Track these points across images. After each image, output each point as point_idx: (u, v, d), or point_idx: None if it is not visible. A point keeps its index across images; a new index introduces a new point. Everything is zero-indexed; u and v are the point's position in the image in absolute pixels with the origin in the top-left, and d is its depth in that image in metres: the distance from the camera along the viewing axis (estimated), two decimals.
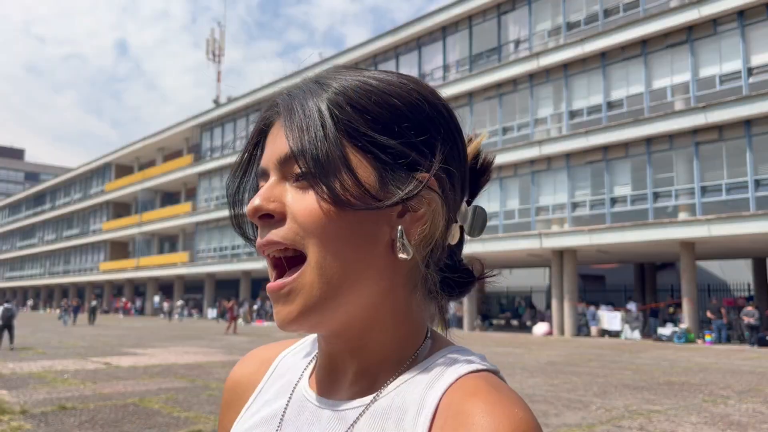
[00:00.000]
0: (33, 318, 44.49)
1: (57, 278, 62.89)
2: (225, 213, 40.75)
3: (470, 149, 0.67)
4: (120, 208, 56.40)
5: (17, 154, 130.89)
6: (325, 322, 0.59)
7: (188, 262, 44.45)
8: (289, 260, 0.59)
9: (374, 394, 0.60)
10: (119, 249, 55.94)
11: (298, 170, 0.57)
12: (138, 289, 57.62)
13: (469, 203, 0.66)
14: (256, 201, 0.58)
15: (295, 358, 0.72)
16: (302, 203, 0.57)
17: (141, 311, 50.70)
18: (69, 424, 7.07)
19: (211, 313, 42.72)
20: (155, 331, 27.17)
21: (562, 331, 24.88)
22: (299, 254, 0.58)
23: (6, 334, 17.76)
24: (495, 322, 35.34)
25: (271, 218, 0.58)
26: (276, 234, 0.57)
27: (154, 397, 9.06)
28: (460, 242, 0.65)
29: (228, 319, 27.29)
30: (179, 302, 44.08)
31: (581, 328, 25.16)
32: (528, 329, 29.37)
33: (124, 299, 51.59)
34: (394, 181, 0.57)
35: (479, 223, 0.65)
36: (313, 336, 0.73)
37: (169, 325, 33.41)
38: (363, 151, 0.57)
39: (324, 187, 0.55)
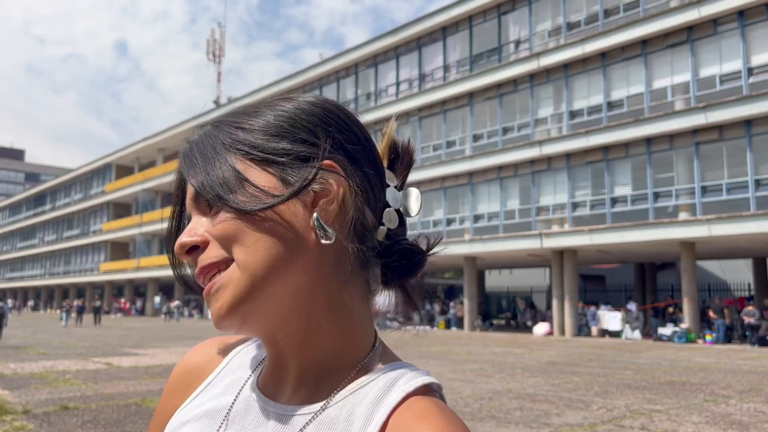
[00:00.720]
0: (34, 318, 44.51)
1: (57, 279, 62.89)
2: None
3: (384, 140, 0.69)
4: (120, 209, 56.41)
5: (17, 154, 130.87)
6: (257, 313, 0.60)
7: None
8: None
9: (323, 403, 0.61)
10: (120, 249, 55.95)
11: (206, 202, 0.61)
12: (138, 289, 57.62)
13: (400, 188, 0.68)
14: (181, 239, 0.61)
15: (246, 356, 0.73)
16: (218, 224, 0.60)
17: (141, 312, 50.68)
18: (71, 424, 7.09)
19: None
20: (156, 332, 27.19)
21: (562, 331, 24.89)
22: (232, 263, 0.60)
23: None
24: (495, 322, 35.36)
25: (197, 249, 0.61)
26: (204, 257, 0.61)
27: (155, 397, 9.07)
28: (402, 225, 0.67)
29: None
30: (175, 303, 44.06)
31: (582, 328, 25.18)
32: (528, 329, 29.38)
33: (123, 300, 51.55)
34: (294, 175, 0.60)
35: (412, 203, 0.68)
36: None
37: (169, 326, 33.43)
38: (261, 162, 0.61)
39: (227, 203, 0.59)
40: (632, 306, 24.83)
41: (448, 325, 30.38)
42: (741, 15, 20.50)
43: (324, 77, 35.89)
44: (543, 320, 28.60)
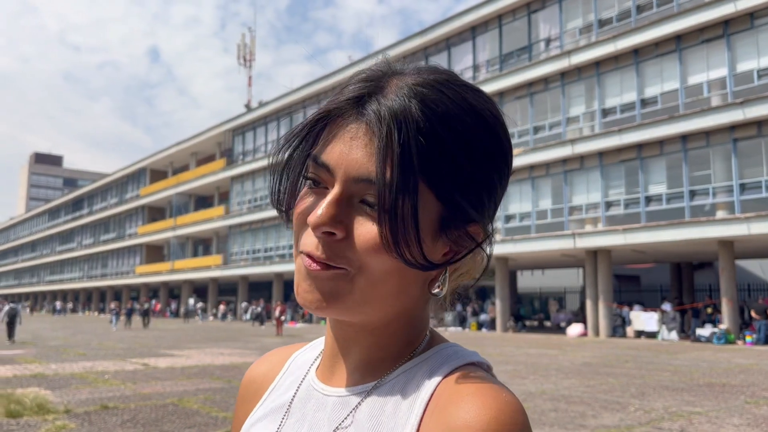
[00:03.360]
0: (72, 320, 45.56)
1: (95, 281, 64.29)
2: (258, 216, 41.24)
3: None
4: (155, 212, 57.44)
5: (56, 160, 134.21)
6: (345, 317, 0.63)
7: (222, 265, 45.03)
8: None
9: (375, 382, 0.64)
10: (154, 252, 56.97)
11: (371, 198, 0.57)
12: (173, 291, 58.58)
13: None
14: (323, 217, 0.57)
15: (306, 356, 0.77)
16: (365, 235, 0.58)
17: (176, 314, 51.48)
18: (111, 423, 7.24)
19: (246, 314, 43.18)
20: (191, 333, 27.59)
21: (597, 332, 24.55)
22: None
23: (11, 330, 21.77)
24: (528, 323, 35.03)
25: (333, 236, 0.58)
26: (331, 252, 0.58)
27: (192, 397, 9.21)
28: None
29: (276, 322, 27.69)
30: (199, 304, 44.57)
31: (616, 329, 24.79)
32: (562, 331, 29.04)
33: (154, 301, 52.35)
34: (448, 232, 0.61)
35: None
36: (323, 338, 0.76)
37: (204, 327, 33.88)
38: (430, 189, 0.58)
39: (389, 240, 0.57)
40: (667, 306, 24.35)
41: (479, 327, 30.21)
42: None
43: None
44: (576, 321, 28.22)
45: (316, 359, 0.74)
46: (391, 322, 0.64)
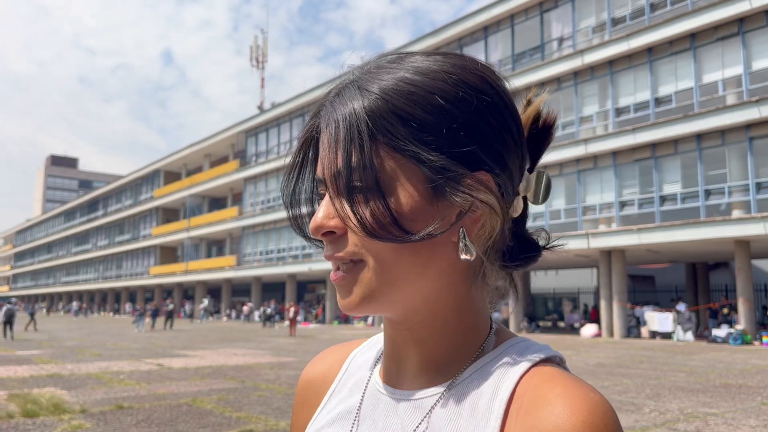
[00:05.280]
0: (89, 321, 45.96)
1: (110, 282, 64.82)
2: (271, 217, 41.38)
3: (529, 112, 0.66)
4: (169, 214, 57.83)
5: (71, 162, 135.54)
6: (384, 310, 0.61)
7: (235, 266, 45.24)
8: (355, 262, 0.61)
9: (448, 383, 0.61)
10: (168, 253, 57.35)
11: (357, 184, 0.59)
12: (187, 292, 58.92)
13: (531, 170, 0.65)
14: (318, 219, 0.59)
15: (364, 356, 0.74)
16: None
17: (190, 315, 51.76)
18: (126, 422, 7.29)
19: (257, 315, 43.35)
20: (204, 334, 27.73)
21: (611, 333, 24.39)
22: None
23: (8, 329, 23.68)
24: (541, 323, 34.87)
25: (334, 234, 0.59)
26: (338, 250, 0.59)
27: (206, 397, 9.26)
28: (525, 212, 0.65)
29: (289, 323, 27.77)
30: (201, 305, 44.60)
31: (631, 330, 24.61)
32: (575, 331, 28.88)
33: (167, 301, 52.58)
34: (449, 189, 0.57)
35: (543, 190, 0.65)
36: (380, 334, 0.74)
37: (217, 328, 34.04)
38: (414, 163, 0.57)
39: (352, 220, 0.57)
40: (682, 307, 24.14)
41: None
42: None
43: None
44: (589, 321, 28.04)
45: (377, 360, 0.72)
46: (435, 312, 0.61)
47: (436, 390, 0.62)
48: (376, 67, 0.61)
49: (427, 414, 0.61)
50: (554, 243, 0.66)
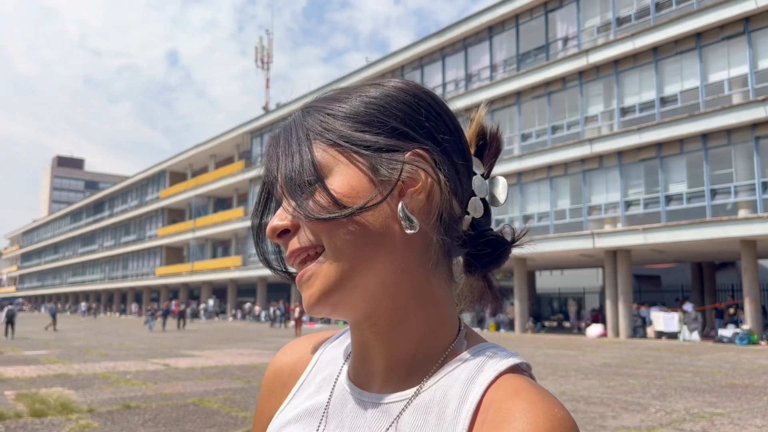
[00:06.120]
0: (96, 322, 46.11)
1: (116, 283, 65.02)
2: None
3: (473, 128, 0.69)
4: (174, 214, 57.97)
5: (77, 163, 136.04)
6: (346, 302, 0.62)
7: (241, 266, 45.33)
8: (314, 259, 0.63)
9: (416, 388, 0.63)
10: (174, 254, 57.49)
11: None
12: (192, 292, 59.05)
13: (486, 176, 0.69)
14: (273, 223, 0.63)
15: (334, 351, 0.75)
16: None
17: (196, 315, 51.87)
18: (133, 422, 7.34)
19: (264, 315, 43.42)
20: (210, 334, 27.81)
21: (616, 333, 24.34)
22: (322, 251, 0.62)
23: (9, 329, 24.26)
24: (546, 324, 34.82)
25: (288, 233, 0.63)
26: (295, 242, 0.63)
27: (212, 397, 9.30)
28: (487, 215, 0.68)
29: (295, 322, 27.82)
30: (201, 305, 44.61)
31: (637, 330, 24.56)
32: (581, 331, 28.83)
33: (174, 303, 52.74)
34: (384, 167, 0.61)
35: (499, 191, 0.68)
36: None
37: (223, 328, 34.12)
38: (349, 152, 0.62)
39: (294, 204, 0.61)
40: (688, 306, 24.07)
41: (498, 328, 30.09)
42: None
43: None
44: (595, 321, 27.99)
45: (346, 357, 0.72)
46: (396, 300, 0.62)
47: (404, 395, 0.63)
48: (321, 95, 0.68)
49: (395, 420, 0.62)
50: (521, 237, 0.68)
